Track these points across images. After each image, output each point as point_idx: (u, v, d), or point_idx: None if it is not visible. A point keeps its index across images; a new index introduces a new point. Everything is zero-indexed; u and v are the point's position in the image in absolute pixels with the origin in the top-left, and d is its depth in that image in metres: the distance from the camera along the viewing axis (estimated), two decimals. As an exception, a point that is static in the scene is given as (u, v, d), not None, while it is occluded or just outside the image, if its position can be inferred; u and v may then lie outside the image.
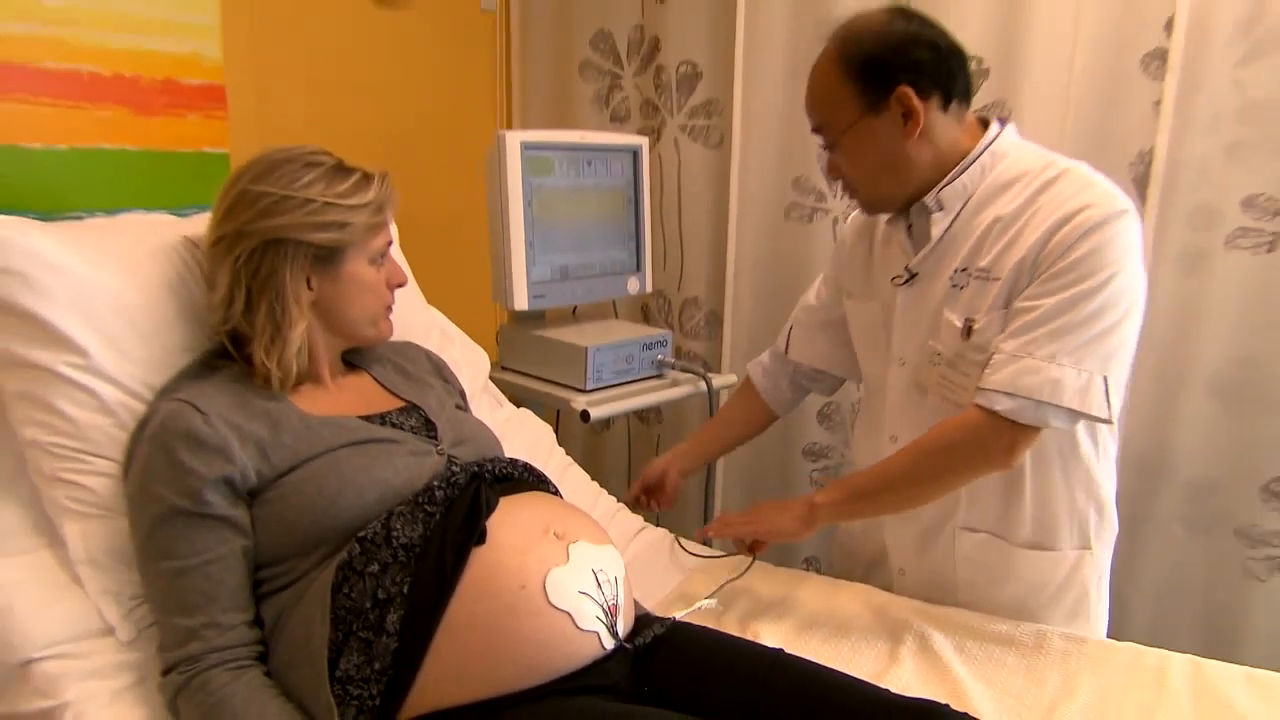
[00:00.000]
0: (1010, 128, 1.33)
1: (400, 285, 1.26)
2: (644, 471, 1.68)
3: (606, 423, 2.63)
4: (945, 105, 1.27)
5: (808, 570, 2.32)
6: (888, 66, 1.25)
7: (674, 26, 2.29)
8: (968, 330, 1.28)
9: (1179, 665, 1.26)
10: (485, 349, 1.79)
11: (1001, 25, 1.92)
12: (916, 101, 1.24)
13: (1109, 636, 1.43)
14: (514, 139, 1.86)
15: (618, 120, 2.47)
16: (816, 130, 1.34)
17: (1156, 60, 1.80)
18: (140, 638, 1.07)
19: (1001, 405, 1.20)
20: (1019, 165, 1.29)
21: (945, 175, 1.30)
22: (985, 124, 1.33)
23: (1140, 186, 1.85)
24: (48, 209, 1.61)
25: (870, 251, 1.48)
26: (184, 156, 1.80)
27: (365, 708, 0.95)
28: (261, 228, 1.11)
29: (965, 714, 1.02)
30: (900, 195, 1.34)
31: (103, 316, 1.13)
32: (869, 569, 1.58)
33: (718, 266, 2.36)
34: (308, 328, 1.17)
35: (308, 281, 1.15)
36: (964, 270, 1.30)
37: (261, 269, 1.12)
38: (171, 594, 1.00)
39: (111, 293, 1.15)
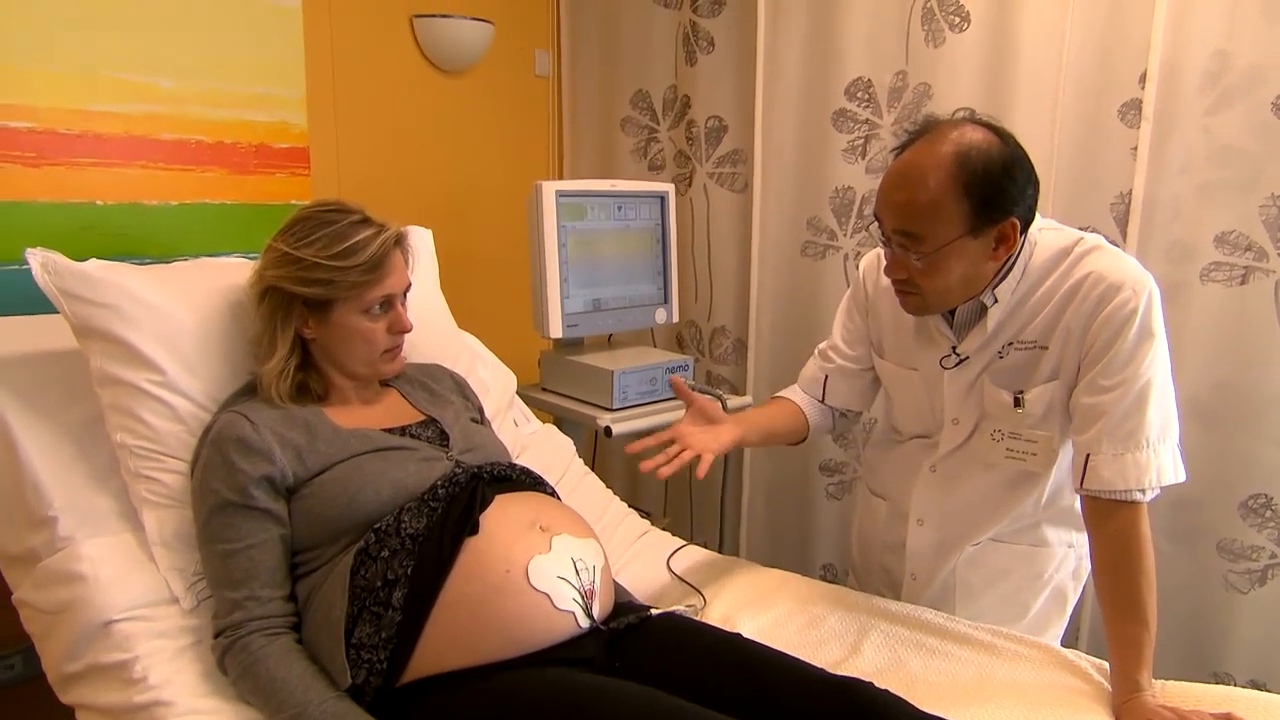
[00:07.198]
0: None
1: (403, 333, 1.29)
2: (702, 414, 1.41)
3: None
4: (1025, 230, 1.24)
5: (824, 576, 2.36)
6: (1005, 199, 1.18)
7: (703, 86, 2.39)
8: (1016, 401, 1.30)
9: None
10: (530, 372, 1.83)
11: (990, 79, 1.95)
12: (1018, 234, 1.21)
13: (1094, 645, 1.44)
14: (550, 188, 1.96)
15: (654, 169, 2.56)
16: (902, 234, 1.22)
17: (1133, 110, 1.80)
18: (200, 607, 1.17)
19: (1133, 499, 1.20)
20: (1050, 246, 1.27)
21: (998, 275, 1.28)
22: None
23: (1121, 224, 1.85)
24: (161, 253, 1.78)
25: (902, 323, 1.43)
26: (274, 208, 1.96)
27: (374, 670, 1.04)
28: (267, 276, 1.23)
29: (887, 691, 1.04)
30: (958, 302, 1.30)
31: (178, 342, 1.26)
32: (884, 571, 1.57)
33: (743, 298, 2.42)
34: (319, 360, 1.27)
35: (306, 323, 1.24)
36: (1009, 344, 1.30)
37: (266, 308, 1.24)
38: (221, 571, 1.11)
39: (186, 323, 1.28)
